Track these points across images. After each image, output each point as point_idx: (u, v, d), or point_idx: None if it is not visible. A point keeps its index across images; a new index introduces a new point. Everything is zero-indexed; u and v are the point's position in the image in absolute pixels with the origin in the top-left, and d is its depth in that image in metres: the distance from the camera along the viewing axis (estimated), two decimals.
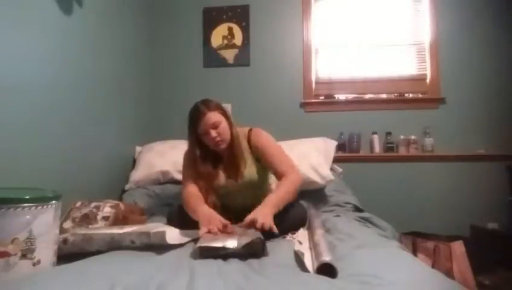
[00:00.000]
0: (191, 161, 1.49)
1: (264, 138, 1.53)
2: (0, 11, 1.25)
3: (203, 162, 1.46)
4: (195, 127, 1.42)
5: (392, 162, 2.34)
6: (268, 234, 1.16)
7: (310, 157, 1.94)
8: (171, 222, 1.40)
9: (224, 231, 1.17)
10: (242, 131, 1.55)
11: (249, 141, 1.52)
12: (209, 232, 1.15)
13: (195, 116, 1.42)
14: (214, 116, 1.41)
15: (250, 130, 1.56)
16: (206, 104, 1.43)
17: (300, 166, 1.86)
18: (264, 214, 1.20)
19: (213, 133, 1.40)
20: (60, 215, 1.02)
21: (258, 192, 1.52)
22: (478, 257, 1.84)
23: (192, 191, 1.43)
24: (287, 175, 1.41)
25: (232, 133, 1.46)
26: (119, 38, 2.13)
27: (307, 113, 2.48)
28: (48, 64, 1.50)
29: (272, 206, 1.26)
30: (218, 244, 1.00)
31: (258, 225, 1.14)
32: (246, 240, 1.00)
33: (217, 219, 1.22)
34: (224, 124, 1.43)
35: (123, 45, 2.19)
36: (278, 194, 1.33)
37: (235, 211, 1.43)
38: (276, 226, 1.19)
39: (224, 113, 1.47)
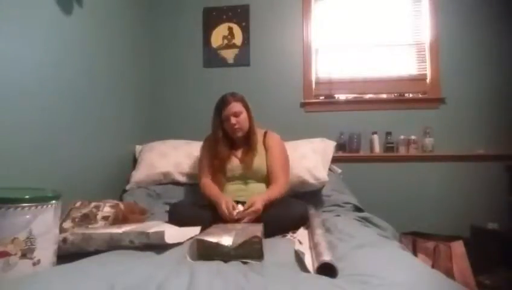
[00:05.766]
0: (211, 145, 1.70)
1: (277, 141, 1.75)
2: (0, 11, 1.24)
3: (221, 143, 1.66)
4: (220, 112, 1.65)
5: (392, 162, 2.34)
6: (268, 233, 1.22)
7: (306, 158, 1.94)
8: (170, 221, 1.41)
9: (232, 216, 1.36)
10: (259, 131, 1.75)
11: (264, 139, 1.74)
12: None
13: (222, 102, 1.65)
14: (237, 106, 1.64)
15: (266, 132, 1.78)
16: (233, 95, 1.67)
17: (296, 167, 1.87)
18: (259, 199, 1.41)
19: (233, 120, 1.62)
20: (60, 215, 1.03)
21: (260, 185, 1.65)
22: (478, 257, 1.84)
23: (208, 181, 1.65)
24: (276, 184, 1.60)
25: (250, 126, 1.68)
26: (119, 38, 2.13)
27: (307, 113, 2.48)
28: (48, 64, 1.50)
29: (265, 199, 1.44)
30: (213, 239, 1.00)
31: (253, 207, 1.36)
32: (242, 238, 0.99)
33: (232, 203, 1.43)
34: (244, 115, 1.66)
35: (123, 45, 2.19)
36: (269, 194, 1.52)
37: (235, 196, 1.59)
38: (277, 222, 1.36)
39: (246, 106, 1.69)
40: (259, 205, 1.38)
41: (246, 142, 1.69)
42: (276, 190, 1.56)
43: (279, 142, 1.76)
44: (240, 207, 1.40)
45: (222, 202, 1.42)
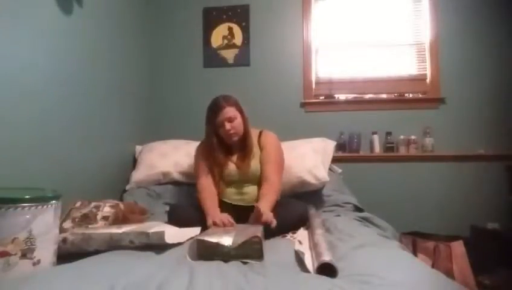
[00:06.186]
0: (205, 151, 1.65)
1: (271, 140, 1.70)
2: (0, 10, 1.24)
3: (217, 150, 1.61)
4: (213, 118, 1.58)
5: (392, 162, 2.34)
6: (268, 233, 1.22)
7: (306, 158, 1.93)
8: (170, 222, 1.41)
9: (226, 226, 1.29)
10: (254, 131, 1.70)
11: (259, 140, 1.70)
12: (214, 224, 1.30)
13: (215, 108, 1.58)
14: (231, 111, 1.57)
15: (261, 131, 1.73)
16: (226, 99, 1.59)
17: (296, 167, 1.87)
18: (267, 207, 1.37)
19: (228, 125, 1.56)
20: (60, 215, 1.02)
21: (257, 187, 1.62)
22: (478, 257, 1.84)
23: (206, 183, 1.59)
24: (269, 185, 1.55)
25: (245, 129, 1.62)
26: (119, 38, 2.13)
27: (307, 113, 2.48)
28: (48, 64, 1.50)
29: (269, 206, 1.41)
30: (213, 239, 1.00)
31: (264, 217, 1.27)
32: (242, 238, 1.00)
33: (225, 217, 1.35)
34: (239, 120, 1.59)
35: (123, 45, 2.19)
36: (269, 199, 1.48)
37: (233, 199, 1.60)
38: (277, 223, 1.30)
39: (240, 110, 1.63)
40: (268, 213, 1.32)
41: (242, 145, 1.64)
42: (272, 191, 1.52)
43: (273, 141, 1.71)
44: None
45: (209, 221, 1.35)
